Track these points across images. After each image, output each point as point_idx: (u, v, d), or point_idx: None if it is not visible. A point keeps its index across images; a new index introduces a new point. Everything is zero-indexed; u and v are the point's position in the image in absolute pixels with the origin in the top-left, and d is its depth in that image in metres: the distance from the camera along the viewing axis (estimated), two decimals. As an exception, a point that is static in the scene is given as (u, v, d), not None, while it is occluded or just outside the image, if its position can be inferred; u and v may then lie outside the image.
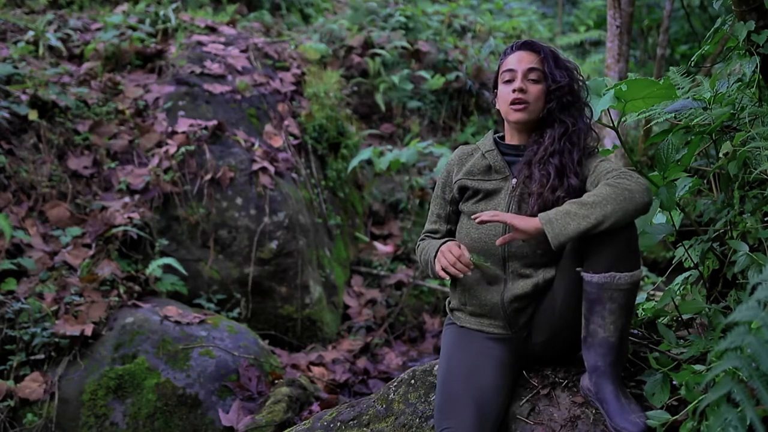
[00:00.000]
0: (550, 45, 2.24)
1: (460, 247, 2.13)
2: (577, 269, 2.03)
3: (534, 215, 2.05)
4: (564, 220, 1.91)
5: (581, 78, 2.23)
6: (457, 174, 2.28)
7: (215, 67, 5.40)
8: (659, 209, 2.32)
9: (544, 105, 2.16)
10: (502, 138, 2.31)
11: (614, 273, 1.96)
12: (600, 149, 2.42)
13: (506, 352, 2.19)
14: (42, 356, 3.72)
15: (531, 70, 2.16)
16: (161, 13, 6.06)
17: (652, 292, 3.61)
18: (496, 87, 2.28)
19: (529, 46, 2.20)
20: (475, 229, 2.20)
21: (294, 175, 5.14)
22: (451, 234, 2.33)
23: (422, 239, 2.38)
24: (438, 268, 2.12)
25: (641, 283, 2.22)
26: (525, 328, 2.20)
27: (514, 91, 2.15)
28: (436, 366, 2.46)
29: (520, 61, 2.18)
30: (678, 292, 2.57)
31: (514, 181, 2.18)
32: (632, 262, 1.98)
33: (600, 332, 2.01)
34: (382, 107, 6.83)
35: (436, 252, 2.18)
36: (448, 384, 2.11)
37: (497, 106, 2.27)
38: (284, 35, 6.80)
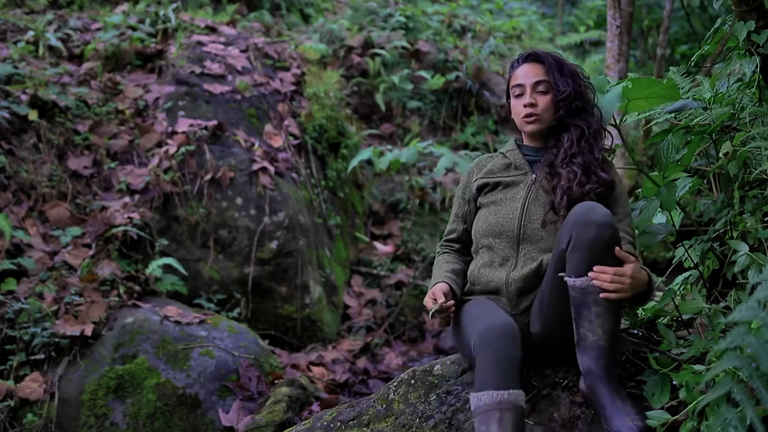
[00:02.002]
0: (554, 53, 2.33)
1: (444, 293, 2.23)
2: (560, 275, 2.05)
3: (561, 206, 2.15)
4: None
5: (586, 79, 2.31)
6: (476, 175, 2.40)
7: (215, 67, 5.40)
8: (659, 209, 2.32)
9: (555, 113, 2.26)
10: (521, 142, 2.43)
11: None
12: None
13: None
14: (42, 356, 3.72)
15: (538, 83, 2.27)
16: (161, 13, 6.06)
17: (652, 292, 3.61)
18: (508, 98, 2.39)
19: (534, 57, 2.31)
20: (492, 215, 2.28)
21: (294, 175, 5.14)
22: (467, 234, 2.43)
23: (440, 248, 2.49)
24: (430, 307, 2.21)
25: None
26: (526, 313, 2.22)
27: (525, 106, 2.27)
28: (436, 366, 2.46)
29: (526, 75, 2.29)
30: (678, 292, 2.57)
31: (533, 176, 2.29)
32: (614, 264, 2.01)
33: (589, 336, 2.02)
34: (382, 107, 6.82)
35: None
36: (475, 315, 2.15)
37: (513, 116, 2.38)
38: (284, 35, 6.80)
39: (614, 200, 2.22)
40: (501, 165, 2.36)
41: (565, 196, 2.16)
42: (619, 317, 2.06)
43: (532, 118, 2.27)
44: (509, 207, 2.26)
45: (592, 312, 2.01)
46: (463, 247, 2.45)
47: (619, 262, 2.02)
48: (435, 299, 2.19)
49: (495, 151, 2.57)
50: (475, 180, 2.38)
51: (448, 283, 2.27)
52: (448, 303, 2.18)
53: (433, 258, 2.56)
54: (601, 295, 1.98)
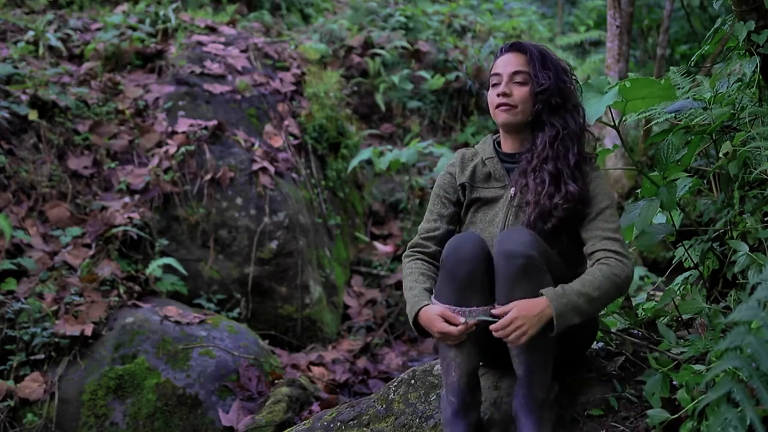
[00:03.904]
0: (541, 45, 2.20)
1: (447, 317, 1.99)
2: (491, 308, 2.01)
3: (531, 224, 2.05)
4: (571, 314, 1.91)
5: (573, 77, 2.18)
6: (460, 176, 2.24)
7: (215, 67, 5.40)
8: (659, 209, 2.32)
9: (532, 107, 2.12)
10: (500, 142, 2.27)
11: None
12: (600, 149, 2.42)
13: None
14: (42, 356, 3.72)
15: (517, 73, 2.13)
16: (161, 13, 6.06)
17: (652, 292, 3.62)
18: (488, 89, 2.24)
19: (516, 47, 2.17)
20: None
21: (294, 175, 5.14)
22: (450, 234, 2.20)
23: (413, 251, 2.26)
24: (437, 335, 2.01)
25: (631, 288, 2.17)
26: None
27: (498, 95, 2.13)
28: (436, 366, 2.46)
29: (506, 64, 2.15)
30: (678, 292, 2.57)
31: (512, 190, 2.16)
32: (530, 296, 1.93)
33: (514, 364, 2.03)
34: (382, 107, 6.82)
35: (416, 314, 2.06)
36: None
37: (489, 107, 2.24)
38: (284, 35, 6.80)
39: (588, 201, 2.09)
40: (482, 174, 2.22)
41: (533, 214, 2.06)
42: (540, 350, 1.98)
43: (505, 108, 2.12)
44: (488, 233, 2.14)
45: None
46: (438, 252, 2.19)
47: (532, 294, 1.92)
48: (447, 326, 1.97)
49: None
50: (460, 183, 2.23)
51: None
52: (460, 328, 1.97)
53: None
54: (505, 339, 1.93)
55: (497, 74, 2.16)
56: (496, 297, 1.98)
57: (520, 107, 2.13)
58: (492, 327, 1.93)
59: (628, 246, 3.01)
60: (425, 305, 2.05)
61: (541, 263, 1.94)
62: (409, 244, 2.27)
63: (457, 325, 1.97)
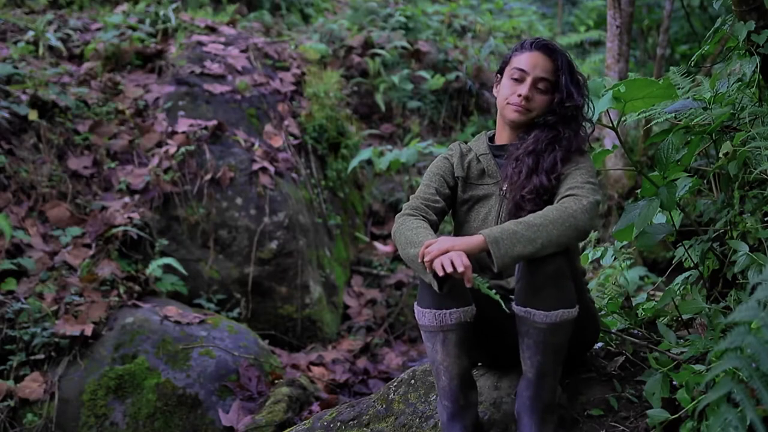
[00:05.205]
0: (566, 52, 2.15)
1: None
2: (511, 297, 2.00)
3: (512, 215, 2.03)
4: (510, 241, 1.81)
5: (586, 88, 2.17)
6: (458, 168, 2.21)
7: (215, 67, 5.40)
8: (659, 209, 2.32)
9: (546, 114, 2.11)
10: (493, 137, 2.26)
11: (530, 309, 1.92)
12: (599, 149, 2.42)
13: None
14: (42, 356, 3.72)
15: (543, 79, 2.09)
16: (161, 13, 6.06)
17: (652, 292, 3.62)
18: (500, 72, 2.19)
19: (548, 50, 2.12)
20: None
21: (294, 175, 5.14)
22: (442, 214, 2.16)
23: (414, 213, 2.09)
24: (439, 264, 1.79)
25: (645, 285, 2.16)
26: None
27: (519, 95, 2.09)
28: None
29: (535, 65, 2.10)
30: (678, 292, 2.57)
31: (504, 186, 2.14)
32: (553, 300, 1.90)
33: (523, 365, 2.02)
34: (382, 107, 6.82)
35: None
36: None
37: (495, 93, 2.21)
38: (284, 35, 6.80)
39: (565, 178, 2.04)
40: (477, 170, 2.20)
41: (510, 202, 2.06)
42: (555, 357, 1.97)
43: (521, 110, 2.10)
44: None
45: (524, 342, 1.98)
46: (436, 224, 2.13)
47: (559, 301, 1.89)
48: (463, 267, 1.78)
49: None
50: (458, 176, 2.20)
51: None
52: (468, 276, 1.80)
53: None
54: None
55: (523, 71, 2.11)
56: (515, 293, 1.96)
57: (535, 113, 2.11)
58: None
59: (628, 246, 3.02)
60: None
61: (567, 269, 1.92)
62: (406, 205, 2.13)
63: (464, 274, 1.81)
